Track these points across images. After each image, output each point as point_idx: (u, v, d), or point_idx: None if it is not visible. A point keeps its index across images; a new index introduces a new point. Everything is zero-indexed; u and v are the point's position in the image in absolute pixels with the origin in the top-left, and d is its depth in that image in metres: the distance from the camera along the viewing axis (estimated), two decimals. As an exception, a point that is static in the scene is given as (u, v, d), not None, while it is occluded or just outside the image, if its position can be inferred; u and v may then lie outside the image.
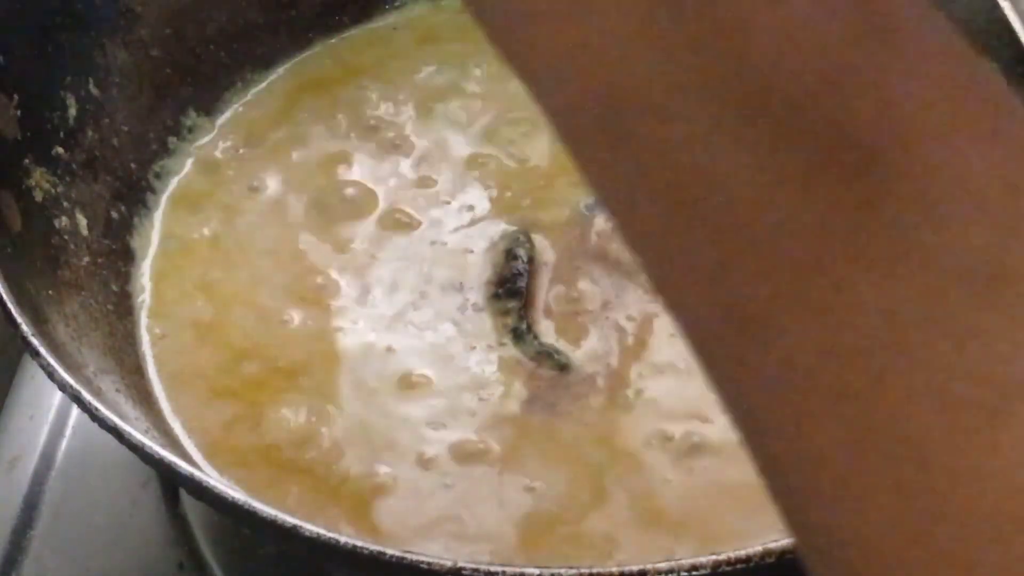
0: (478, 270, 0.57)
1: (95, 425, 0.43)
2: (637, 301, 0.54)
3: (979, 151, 0.18)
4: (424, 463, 0.50)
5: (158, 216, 0.60)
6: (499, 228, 0.58)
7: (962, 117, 0.18)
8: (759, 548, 0.39)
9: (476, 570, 0.39)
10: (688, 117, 0.18)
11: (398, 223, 0.59)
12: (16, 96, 0.54)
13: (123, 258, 0.57)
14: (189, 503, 0.55)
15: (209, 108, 0.64)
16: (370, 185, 0.61)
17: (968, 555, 0.18)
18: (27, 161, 0.54)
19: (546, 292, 0.56)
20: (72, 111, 0.57)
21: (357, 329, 0.55)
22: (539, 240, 0.57)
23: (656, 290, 0.20)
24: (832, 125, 0.18)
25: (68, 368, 0.45)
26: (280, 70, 0.67)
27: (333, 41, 0.68)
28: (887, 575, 0.18)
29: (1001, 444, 0.17)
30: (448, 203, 0.60)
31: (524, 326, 0.54)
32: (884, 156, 0.18)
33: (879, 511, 0.18)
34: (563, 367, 0.52)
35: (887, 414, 0.18)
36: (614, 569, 0.39)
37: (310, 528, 0.40)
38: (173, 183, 0.61)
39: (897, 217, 0.18)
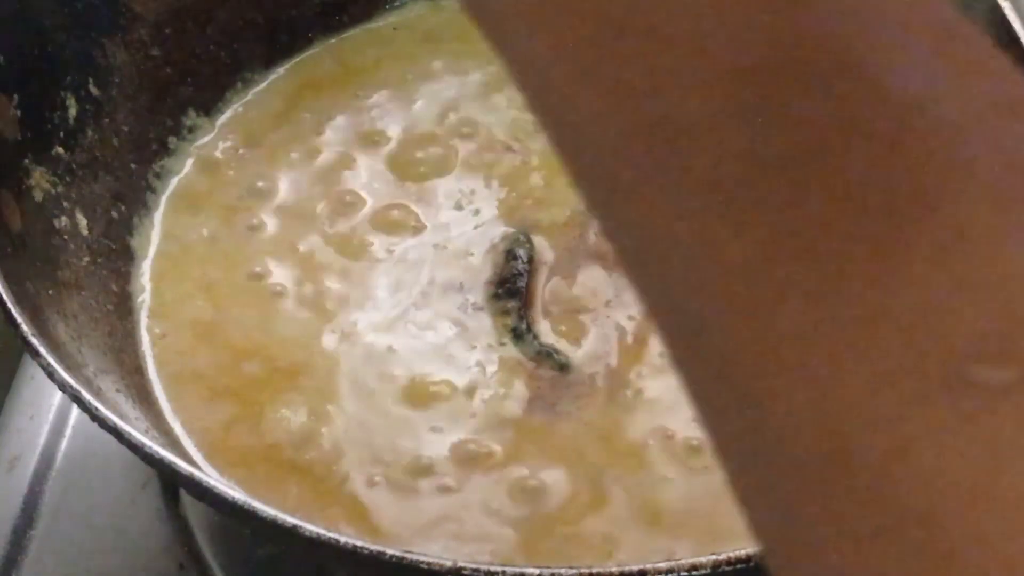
0: (478, 270, 0.57)
1: (95, 425, 0.43)
2: (637, 301, 0.54)
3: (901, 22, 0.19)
4: (424, 463, 0.50)
5: (158, 216, 0.60)
6: (499, 229, 0.58)
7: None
8: (759, 548, 0.39)
9: (476, 570, 0.39)
10: None
11: (398, 223, 0.59)
12: (16, 96, 0.54)
13: (123, 258, 0.57)
14: (189, 503, 0.55)
15: (209, 108, 0.64)
16: (370, 185, 0.61)
17: (880, 362, 0.18)
18: (27, 161, 0.54)
19: (546, 292, 0.56)
20: (72, 111, 0.57)
21: (357, 329, 0.55)
22: (539, 240, 0.57)
23: (575, 120, 0.20)
24: None
25: (68, 368, 0.45)
26: (280, 70, 0.67)
27: (333, 41, 0.68)
28: (795, 386, 0.18)
29: (917, 251, 0.18)
30: (447, 204, 0.60)
31: (524, 326, 0.54)
32: None
33: (789, 318, 0.18)
34: (563, 367, 0.52)
35: (807, 220, 0.18)
36: (614, 569, 0.39)
37: (310, 528, 0.40)
38: (173, 183, 0.61)
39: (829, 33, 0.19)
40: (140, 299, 0.56)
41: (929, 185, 0.18)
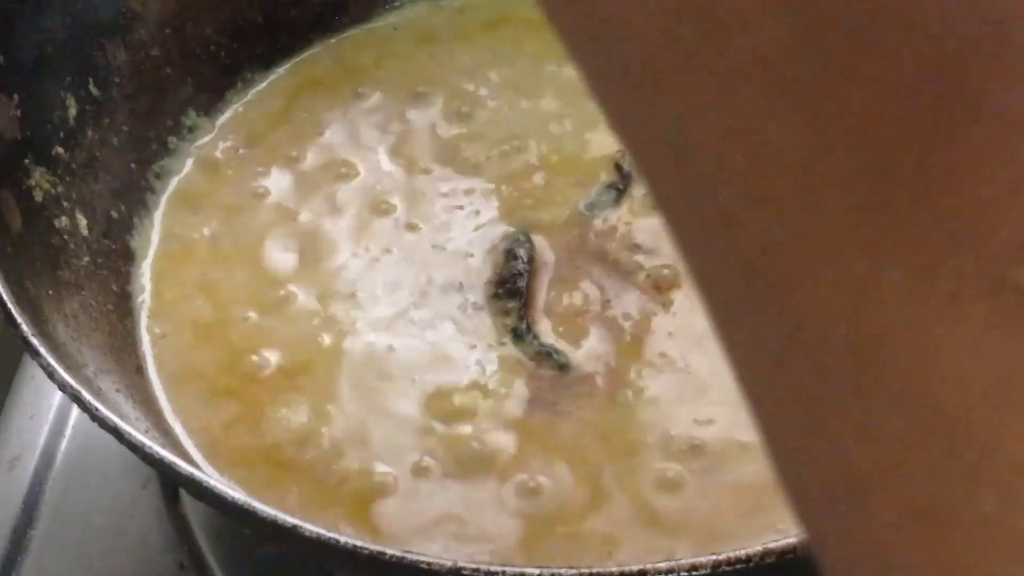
0: (478, 270, 0.57)
1: (95, 425, 0.43)
2: (636, 301, 0.54)
3: None
4: (424, 463, 0.50)
5: (158, 216, 0.60)
6: (499, 229, 0.58)
7: None
8: (759, 548, 0.39)
9: (476, 570, 0.39)
10: None
11: (398, 223, 0.59)
12: (16, 96, 0.54)
13: (123, 258, 0.58)
14: (189, 503, 0.55)
15: (209, 108, 0.64)
16: (370, 185, 0.61)
17: (919, 260, 0.18)
18: (27, 161, 0.54)
19: (546, 292, 0.56)
20: (72, 111, 0.57)
21: (358, 329, 0.55)
22: (539, 240, 0.57)
23: (613, 7, 0.20)
24: None
25: (68, 368, 0.45)
26: (280, 70, 0.67)
27: (333, 41, 0.68)
28: (831, 281, 0.18)
29: (967, 147, 0.17)
30: (448, 204, 0.60)
31: (524, 326, 0.54)
32: None
33: (829, 210, 0.18)
34: (563, 367, 0.52)
35: (852, 112, 0.18)
36: (614, 569, 0.39)
37: (310, 528, 0.40)
38: (173, 183, 0.61)
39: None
40: (140, 299, 0.56)
41: (981, 81, 0.18)
